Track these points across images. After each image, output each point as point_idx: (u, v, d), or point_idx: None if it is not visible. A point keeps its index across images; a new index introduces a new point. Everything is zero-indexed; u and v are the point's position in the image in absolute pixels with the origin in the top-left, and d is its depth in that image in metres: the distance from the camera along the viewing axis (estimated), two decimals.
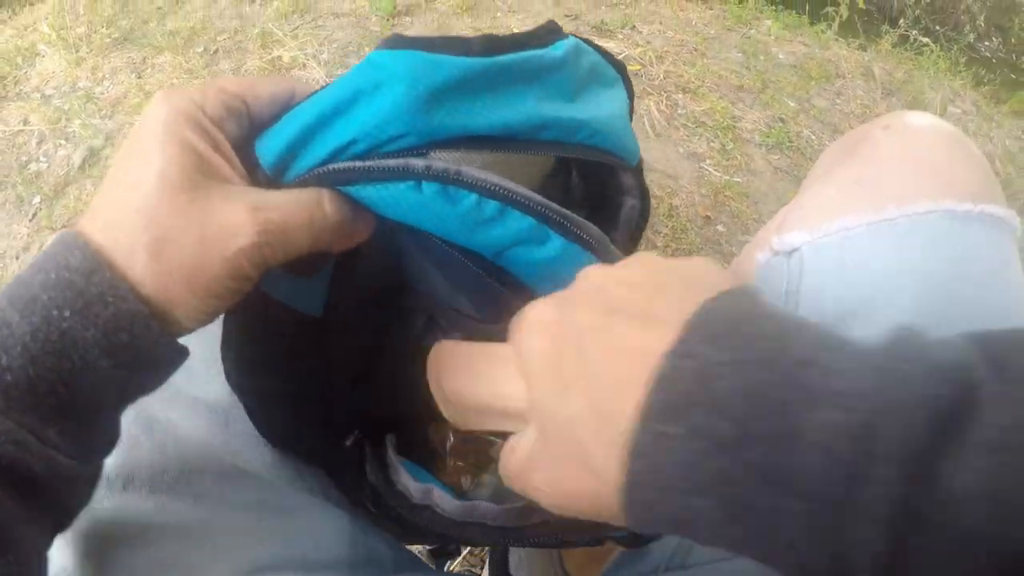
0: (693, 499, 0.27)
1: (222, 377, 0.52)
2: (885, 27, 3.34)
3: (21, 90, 2.26)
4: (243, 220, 0.35)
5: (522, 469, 0.35)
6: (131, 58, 2.33)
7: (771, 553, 0.27)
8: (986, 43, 4.97)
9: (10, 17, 2.91)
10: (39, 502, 0.33)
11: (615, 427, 0.29)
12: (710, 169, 1.83)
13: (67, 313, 0.32)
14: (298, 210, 0.38)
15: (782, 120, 2.09)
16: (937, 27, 4.83)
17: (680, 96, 2.10)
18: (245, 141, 0.40)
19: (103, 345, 0.33)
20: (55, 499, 0.35)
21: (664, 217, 1.67)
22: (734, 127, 2.01)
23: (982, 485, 0.23)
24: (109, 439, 0.39)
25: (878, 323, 0.46)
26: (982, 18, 4.89)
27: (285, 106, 0.41)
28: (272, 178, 0.40)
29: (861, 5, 2.93)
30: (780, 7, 3.05)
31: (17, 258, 1.71)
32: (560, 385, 0.32)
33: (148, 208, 0.34)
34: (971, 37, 4.67)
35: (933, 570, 0.23)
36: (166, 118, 0.36)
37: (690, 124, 1.98)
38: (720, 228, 1.65)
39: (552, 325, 0.34)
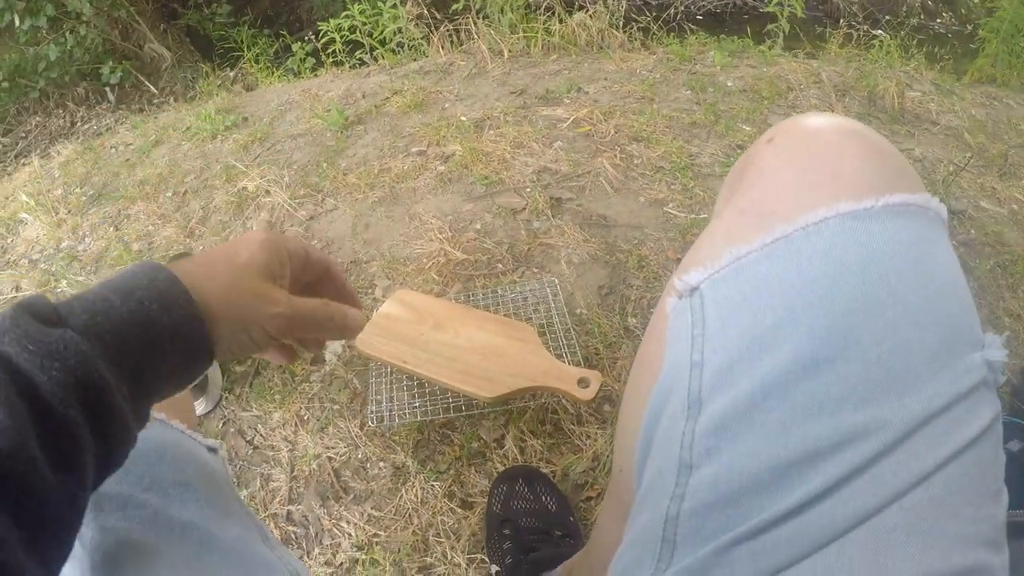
0: None
1: (197, 500, 0.65)
2: (829, 30, 3.41)
3: (9, 258, 2.34)
4: (283, 300, 0.56)
5: None
6: (107, 212, 2.42)
7: None
8: (937, 20, 5.02)
9: None
10: (100, 436, 0.43)
11: None
12: (674, 212, 1.85)
13: (154, 306, 0.47)
14: (312, 310, 0.59)
15: (739, 147, 2.12)
16: (884, 16, 4.90)
17: (634, 146, 2.14)
18: (295, 276, 0.62)
19: (171, 331, 0.47)
20: (113, 443, 0.45)
21: (635, 269, 1.69)
22: (692, 164, 2.05)
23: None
24: (144, 419, 0.50)
25: (791, 350, 0.46)
26: None
27: (324, 268, 0.66)
28: None
29: (800, 15, 2.98)
30: (722, 36, 3.12)
31: None
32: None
33: (233, 269, 0.54)
34: (916, 19, 4.73)
35: None
36: (266, 238, 0.58)
37: (648, 172, 2.02)
38: None
39: None
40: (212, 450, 0.76)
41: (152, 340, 0.46)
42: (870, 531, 0.42)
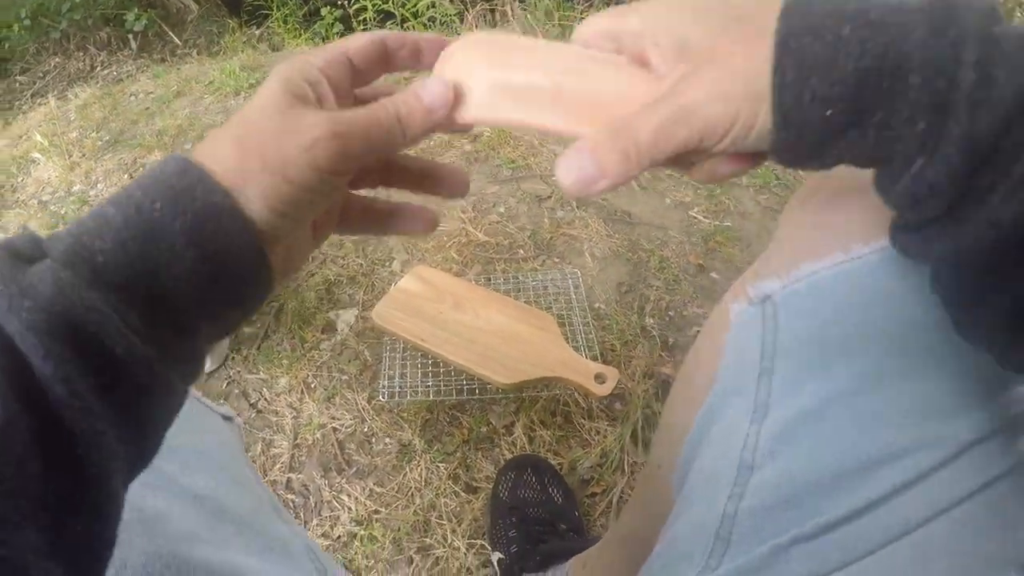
0: (834, 77, 0.35)
1: (212, 469, 0.59)
2: None
3: (19, 198, 2.32)
4: (320, 120, 0.40)
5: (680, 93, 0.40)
6: (122, 159, 2.39)
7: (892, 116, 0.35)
8: None
9: (3, 127, 3.01)
10: (121, 395, 0.34)
11: (768, 37, 0.37)
12: (699, 216, 1.84)
13: (158, 204, 0.36)
14: (366, 115, 0.42)
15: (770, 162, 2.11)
16: None
17: None
18: (344, 89, 0.47)
19: (190, 234, 0.36)
20: (136, 399, 0.36)
21: (656, 270, 1.68)
22: None
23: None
24: (191, 361, 0.40)
25: (858, 364, 0.47)
26: None
27: (380, 49, 0.48)
28: None
29: None
30: None
31: None
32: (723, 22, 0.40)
33: (247, 122, 0.40)
34: None
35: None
36: (280, 68, 0.43)
37: (676, 174, 2.01)
38: (714, 276, 1.66)
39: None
40: (227, 419, 0.75)
41: (164, 251, 0.36)
42: (915, 541, 0.45)
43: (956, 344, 0.45)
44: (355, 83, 0.48)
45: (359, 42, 0.47)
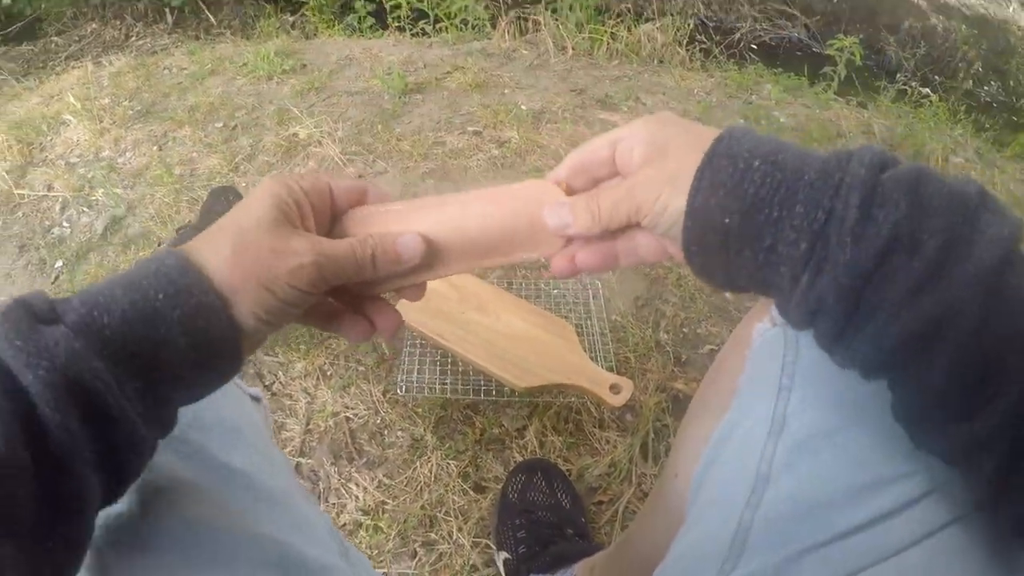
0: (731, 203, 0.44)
1: (245, 446, 0.64)
2: (883, 83, 3.42)
3: (46, 156, 2.35)
4: (306, 247, 0.48)
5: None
6: (152, 131, 2.42)
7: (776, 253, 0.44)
8: (985, 88, 5.03)
9: (37, 85, 3.04)
10: (109, 447, 0.41)
11: (700, 153, 0.47)
12: None
13: (160, 296, 0.43)
14: (344, 248, 0.51)
15: None
16: (936, 76, 4.91)
17: None
18: (322, 214, 0.54)
19: (184, 324, 0.43)
20: (120, 451, 0.43)
21: (672, 286, 1.71)
22: None
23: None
24: (166, 424, 0.47)
25: (876, 385, 0.49)
26: (979, 64, 4.96)
27: (359, 197, 0.57)
28: None
29: (858, 63, 2.98)
30: (780, 71, 3.13)
31: None
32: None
33: (240, 234, 0.47)
34: (968, 84, 4.74)
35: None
36: (270, 185, 0.50)
37: None
38: (728, 296, 1.69)
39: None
40: (255, 399, 0.78)
41: (161, 334, 0.42)
42: (927, 549, 0.47)
43: None
44: (333, 207, 0.56)
45: (345, 184, 0.56)
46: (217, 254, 0.46)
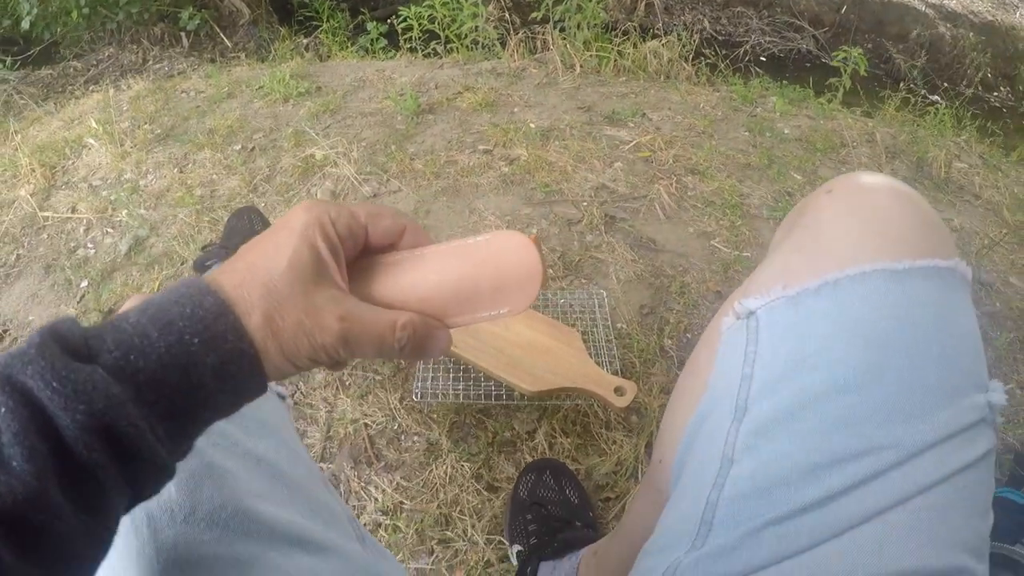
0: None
1: (271, 436, 0.67)
2: (887, 91, 3.47)
3: (69, 179, 2.43)
4: (333, 324, 0.46)
5: None
6: (172, 153, 2.50)
7: None
8: (995, 93, 5.06)
9: (58, 109, 3.13)
10: (131, 479, 0.42)
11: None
12: (720, 246, 1.93)
13: (196, 340, 0.42)
14: (374, 330, 0.48)
15: (788, 194, 2.19)
16: (944, 83, 4.94)
17: (689, 178, 2.22)
18: (351, 254, 0.51)
19: (217, 370, 0.43)
20: (146, 486, 0.44)
21: (676, 294, 1.77)
22: (742, 204, 2.12)
23: None
24: (188, 451, 0.47)
25: (828, 373, 0.55)
26: (987, 70, 4.99)
27: (396, 237, 0.53)
28: None
29: (863, 73, 3.04)
30: (784, 83, 3.19)
31: None
32: None
33: (273, 285, 0.45)
34: (972, 90, 4.77)
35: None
36: (306, 222, 0.48)
37: (699, 204, 2.10)
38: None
39: None
40: (281, 397, 0.83)
41: (193, 380, 0.42)
42: (877, 525, 0.51)
43: (914, 360, 0.53)
44: (366, 247, 0.53)
45: (383, 224, 0.52)
46: (251, 309, 0.45)
